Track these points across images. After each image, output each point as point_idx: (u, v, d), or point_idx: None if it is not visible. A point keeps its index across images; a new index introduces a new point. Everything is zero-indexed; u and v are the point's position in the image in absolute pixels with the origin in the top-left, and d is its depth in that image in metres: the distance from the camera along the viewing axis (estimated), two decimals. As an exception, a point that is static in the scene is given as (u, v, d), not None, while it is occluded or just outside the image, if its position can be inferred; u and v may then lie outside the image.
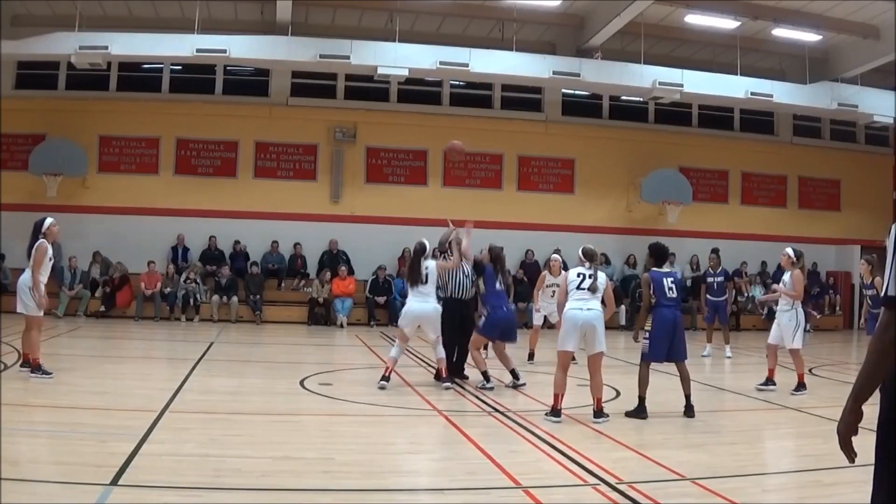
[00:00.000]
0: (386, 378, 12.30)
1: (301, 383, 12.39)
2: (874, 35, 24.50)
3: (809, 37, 25.04)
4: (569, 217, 27.21)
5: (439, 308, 12.82)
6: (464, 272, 13.16)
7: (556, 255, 16.59)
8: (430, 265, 12.75)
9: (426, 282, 12.63)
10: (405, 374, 13.56)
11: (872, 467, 3.61)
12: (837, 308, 28.72)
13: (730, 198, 29.61)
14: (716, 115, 29.40)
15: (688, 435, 9.73)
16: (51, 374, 12.18)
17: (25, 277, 12.48)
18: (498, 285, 12.93)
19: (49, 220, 12.57)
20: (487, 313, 12.75)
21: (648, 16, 23.70)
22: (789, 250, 13.51)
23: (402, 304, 22.76)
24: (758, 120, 29.74)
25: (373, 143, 26.66)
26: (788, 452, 9.10)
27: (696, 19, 24.21)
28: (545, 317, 16.54)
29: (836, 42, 25.86)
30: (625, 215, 28.23)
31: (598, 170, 27.91)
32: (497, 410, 10.59)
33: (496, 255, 13.21)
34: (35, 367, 12.18)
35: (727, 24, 24.21)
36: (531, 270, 25.37)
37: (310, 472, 7.29)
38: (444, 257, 13.27)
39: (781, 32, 24.79)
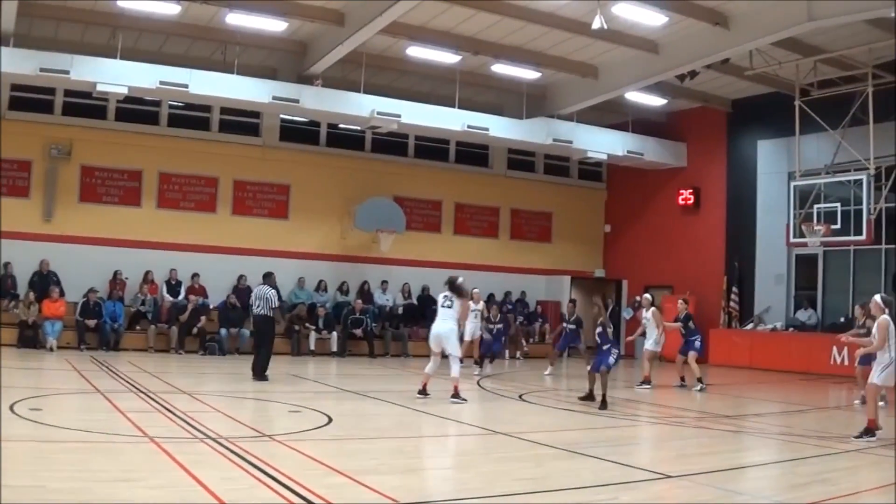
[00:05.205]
0: (423, 392, 14.87)
1: (11, 408, 11.65)
2: (593, 74, 25.84)
3: (529, 73, 25.92)
4: (283, 243, 27.36)
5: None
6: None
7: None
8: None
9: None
10: (115, 400, 13.13)
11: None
12: (546, 337, 29.70)
13: (443, 227, 30.62)
14: (432, 147, 30.22)
15: (401, 460, 9.84)
16: None
17: None
18: None
19: None
20: None
21: (371, 46, 23.97)
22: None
23: (112, 328, 22.60)
24: (473, 152, 30.82)
25: (88, 162, 25.57)
26: (501, 476, 9.28)
27: (417, 52, 24.51)
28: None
29: (555, 80, 27.03)
30: (339, 242, 28.60)
31: (313, 196, 28.20)
32: (208, 437, 10.37)
33: None
34: None
35: (448, 57, 24.66)
36: (243, 296, 25.02)
37: (21, 502, 6.88)
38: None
39: (501, 68, 25.54)
